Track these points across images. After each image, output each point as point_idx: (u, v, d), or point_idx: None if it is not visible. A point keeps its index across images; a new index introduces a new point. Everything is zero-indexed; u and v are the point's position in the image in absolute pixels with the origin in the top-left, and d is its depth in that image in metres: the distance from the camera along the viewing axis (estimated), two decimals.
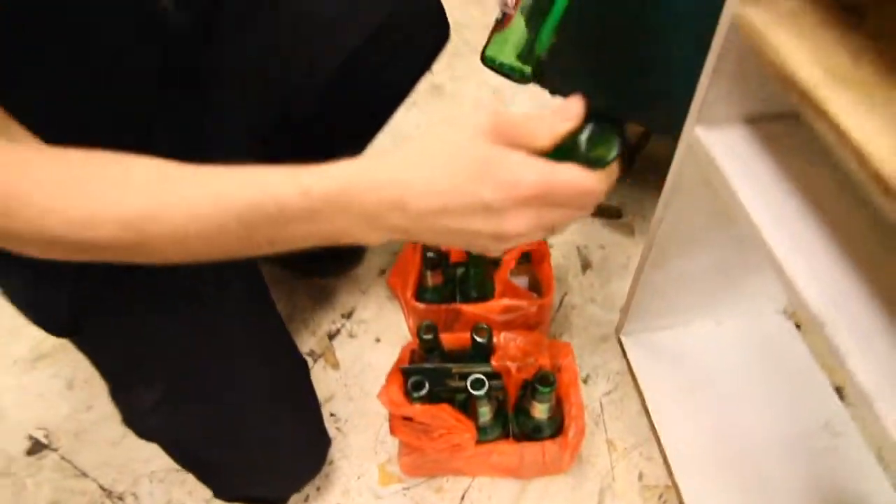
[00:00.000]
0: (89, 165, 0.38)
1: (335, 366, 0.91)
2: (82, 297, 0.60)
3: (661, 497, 0.75)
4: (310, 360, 0.91)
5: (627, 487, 0.76)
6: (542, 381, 0.63)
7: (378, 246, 1.04)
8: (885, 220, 0.37)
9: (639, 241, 1.02)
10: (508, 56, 0.56)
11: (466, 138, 0.36)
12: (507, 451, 0.68)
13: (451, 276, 0.86)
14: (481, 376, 0.65)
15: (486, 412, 0.66)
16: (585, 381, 0.86)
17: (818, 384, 0.81)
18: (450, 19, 0.76)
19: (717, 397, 0.80)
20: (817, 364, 0.82)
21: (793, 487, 0.73)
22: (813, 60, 0.44)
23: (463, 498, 0.77)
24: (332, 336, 0.95)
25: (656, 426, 0.78)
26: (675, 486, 0.74)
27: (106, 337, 0.63)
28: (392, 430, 0.69)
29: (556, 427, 0.69)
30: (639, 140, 1.16)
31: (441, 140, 0.37)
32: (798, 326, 0.87)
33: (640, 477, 0.77)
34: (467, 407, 0.68)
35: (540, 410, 0.66)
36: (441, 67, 1.39)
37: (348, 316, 0.97)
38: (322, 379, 0.90)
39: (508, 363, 0.68)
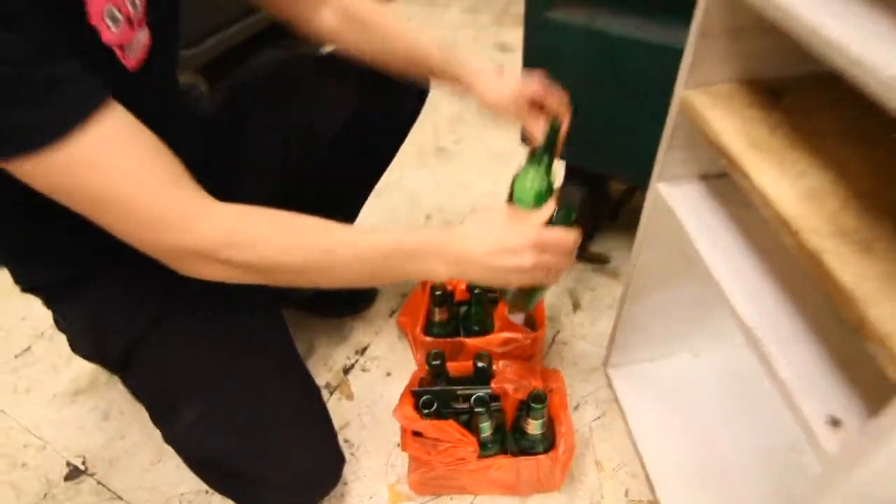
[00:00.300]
0: (281, 217, 0.58)
1: (350, 397, 1.00)
2: (138, 331, 0.70)
3: None
4: (326, 393, 1.01)
5: (615, 503, 0.84)
6: (536, 399, 0.73)
7: (388, 290, 1.15)
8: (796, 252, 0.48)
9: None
10: None
11: (498, 216, 0.62)
12: (505, 465, 0.77)
13: (455, 314, 0.97)
14: (483, 395, 0.74)
15: (486, 427, 0.75)
16: (576, 409, 0.95)
17: (784, 409, 0.90)
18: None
19: (695, 421, 0.89)
20: None
21: (759, 497, 0.80)
22: (739, 133, 0.56)
23: None
24: (346, 370, 1.04)
25: (640, 448, 0.87)
26: (657, 501, 0.82)
27: (154, 363, 0.72)
28: (403, 447, 0.78)
29: (548, 444, 0.78)
30: (622, 196, 1.30)
31: (485, 217, 0.62)
32: None
33: (626, 493, 0.85)
34: (470, 425, 0.77)
35: (534, 427, 0.75)
36: (445, 132, 1.55)
37: (362, 352, 1.07)
38: (337, 409, 0.99)
39: (506, 385, 0.78)
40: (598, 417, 0.94)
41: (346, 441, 0.94)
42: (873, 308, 0.41)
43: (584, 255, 1.19)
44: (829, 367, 0.50)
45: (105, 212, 0.53)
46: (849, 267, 0.43)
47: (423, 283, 0.99)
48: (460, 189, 1.39)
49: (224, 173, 0.82)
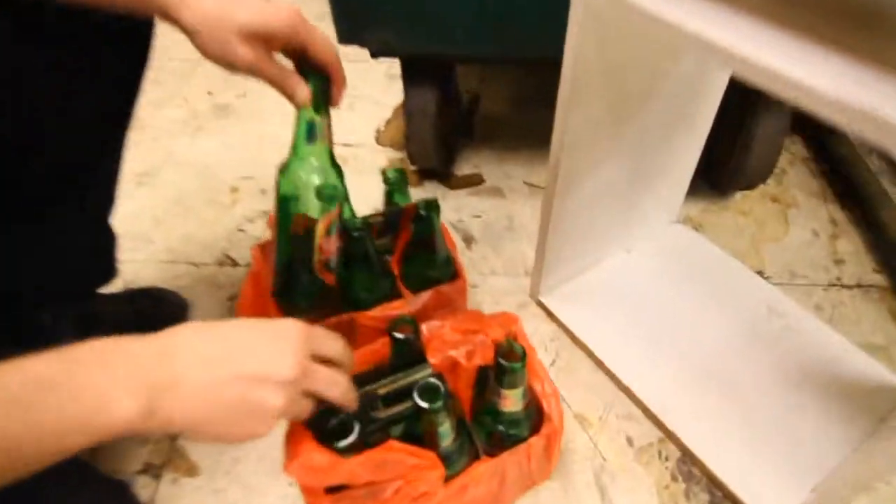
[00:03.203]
0: None
1: (190, 472, 0.62)
2: None
3: (661, 454, 0.62)
4: (148, 479, 0.61)
5: (622, 459, 0.61)
6: (510, 357, 0.46)
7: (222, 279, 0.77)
8: None
9: (513, 199, 0.91)
10: None
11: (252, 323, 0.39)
12: (485, 474, 0.48)
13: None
14: (430, 380, 0.45)
15: (447, 431, 0.46)
16: None
17: (742, 274, 0.76)
18: None
19: (658, 321, 0.71)
20: (730, 255, 0.78)
21: (763, 375, 0.65)
22: None
23: None
24: (174, 437, 0.65)
25: (619, 377, 0.66)
26: (672, 433, 0.62)
27: None
28: None
29: (534, 418, 0.51)
30: (470, 106, 1.08)
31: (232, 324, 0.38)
32: (696, 229, 0.84)
33: (630, 441, 0.63)
34: (413, 439, 0.47)
35: (514, 400, 0.48)
36: (220, 87, 1.16)
37: None
38: (177, 495, 0.60)
39: (452, 353, 0.49)
40: (554, 361, 0.70)
41: None
42: None
43: (453, 181, 0.94)
44: None
45: None
46: None
47: (263, 253, 0.64)
48: (266, 146, 1.04)
49: None
